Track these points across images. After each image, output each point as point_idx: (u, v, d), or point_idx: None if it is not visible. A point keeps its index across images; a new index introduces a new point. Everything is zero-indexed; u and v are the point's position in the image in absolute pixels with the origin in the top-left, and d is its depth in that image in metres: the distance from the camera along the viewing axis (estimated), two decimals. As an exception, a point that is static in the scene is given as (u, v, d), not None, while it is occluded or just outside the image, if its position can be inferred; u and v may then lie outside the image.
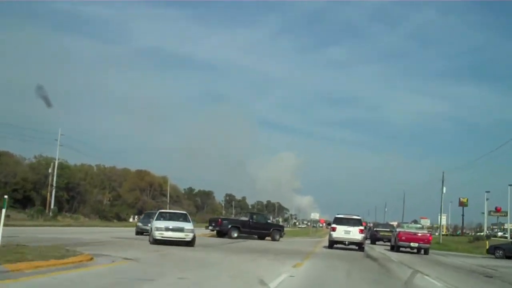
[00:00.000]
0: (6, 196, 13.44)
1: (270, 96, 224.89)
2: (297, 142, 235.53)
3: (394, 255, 28.20)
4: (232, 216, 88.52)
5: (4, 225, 13.02)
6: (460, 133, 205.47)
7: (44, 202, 65.56)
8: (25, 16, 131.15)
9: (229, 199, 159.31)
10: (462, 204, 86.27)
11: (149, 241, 23.30)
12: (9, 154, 73.17)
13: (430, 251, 33.68)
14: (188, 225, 23.27)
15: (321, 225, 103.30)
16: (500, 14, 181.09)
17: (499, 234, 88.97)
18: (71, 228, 42.82)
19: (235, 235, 35.66)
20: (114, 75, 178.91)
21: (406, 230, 33.83)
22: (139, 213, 78.06)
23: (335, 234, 30.59)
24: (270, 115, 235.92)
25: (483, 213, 79.60)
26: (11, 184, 65.38)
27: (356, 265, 19.44)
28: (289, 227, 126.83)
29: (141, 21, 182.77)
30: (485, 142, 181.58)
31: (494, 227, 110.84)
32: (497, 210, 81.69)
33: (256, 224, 37.94)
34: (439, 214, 69.57)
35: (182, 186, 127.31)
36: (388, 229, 47.03)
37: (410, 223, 43.12)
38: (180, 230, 22.65)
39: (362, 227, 31.09)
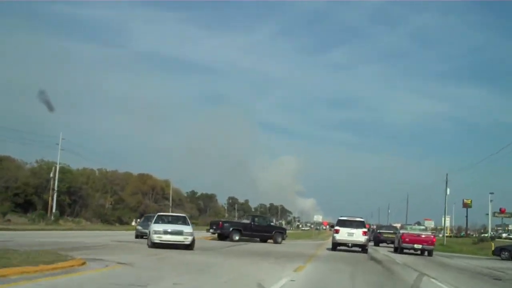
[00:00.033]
0: None
1: (270, 97, 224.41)
2: (299, 143, 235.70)
3: (398, 257, 27.78)
4: (235, 219, 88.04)
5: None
6: (461, 133, 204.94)
7: (45, 207, 65.22)
8: (25, 17, 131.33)
9: (232, 202, 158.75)
10: (466, 206, 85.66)
11: (148, 244, 22.81)
12: (11, 159, 73.02)
13: (434, 252, 33.62)
14: (187, 228, 22.76)
15: (324, 227, 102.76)
16: (500, 14, 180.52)
17: (504, 235, 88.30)
18: (72, 232, 42.38)
19: (237, 238, 35.16)
20: (114, 77, 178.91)
21: (410, 232, 33.74)
22: (141, 216, 77.61)
23: (338, 236, 30.50)
24: (271, 116, 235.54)
25: (487, 214, 79.07)
26: (12, 188, 65.30)
27: (360, 268, 18.93)
28: (292, 229, 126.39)
29: (141, 23, 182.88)
30: (485, 143, 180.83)
31: (499, 228, 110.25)
32: (501, 211, 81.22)
33: (258, 226, 37.41)
34: (443, 216, 69.00)
35: (185, 190, 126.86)
36: (392, 231, 46.63)
37: (414, 225, 42.85)
38: (179, 233, 22.16)
39: (365, 229, 30.94)
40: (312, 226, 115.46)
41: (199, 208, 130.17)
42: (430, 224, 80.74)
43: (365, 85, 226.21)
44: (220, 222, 37.91)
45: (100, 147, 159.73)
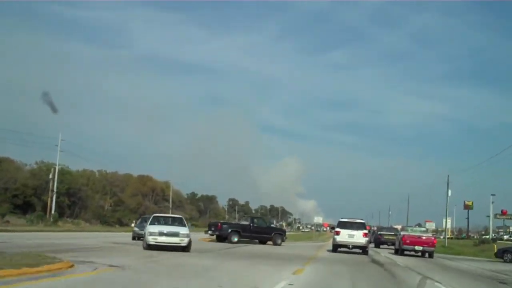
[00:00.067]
0: None
1: (270, 98, 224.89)
2: (299, 145, 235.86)
3: (399, 259, 27.31)
4: (235, 221, 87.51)
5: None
6: (461, 134, 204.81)
7: (45, 208, 64.95)
8: (25, 17, 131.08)
9: (232, 203, 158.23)
10: (467, 207, 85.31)
11: (143, 246, 22.28)
12: (10, 160, 72.71)
13: (435, 254, 33.40)
14: (183, 230, 22.22)
15: (324, 229, 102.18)
16: (501, 14, 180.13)
17: (505, 237, 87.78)
18: (70, 233, 41.96)
19: (235, 239, 34.61)
20: (114, 78, 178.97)
21: (411, 234, 33.56)
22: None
23: (339, 238, 30.30)
24: (272, 118, 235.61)
25: (489, 216, 78.66)
26: (11, 190, 65.08)
27: (361, 270, 18.39)
28: (292, 231, 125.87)
29: (141, 24, 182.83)
30: (487, 144, 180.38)
31: (500, 230, 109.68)
32: (503, 213, 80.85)
33: (257, 228, 36.85)
34: (444, 217, 68.51)
35: (185, 191, 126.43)
36: (392, 233, 46.19)
37: (414, 227, 42.52)
38: (175, 234, 21.61)
39: (366, 231, 30.82)
40: (313, 227, 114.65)
41: (199, 209, 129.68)
42: (431, 225, 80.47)
43: (365, 85, 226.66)
44: (219, 224, 37.35)
45: (100, 149, 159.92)
